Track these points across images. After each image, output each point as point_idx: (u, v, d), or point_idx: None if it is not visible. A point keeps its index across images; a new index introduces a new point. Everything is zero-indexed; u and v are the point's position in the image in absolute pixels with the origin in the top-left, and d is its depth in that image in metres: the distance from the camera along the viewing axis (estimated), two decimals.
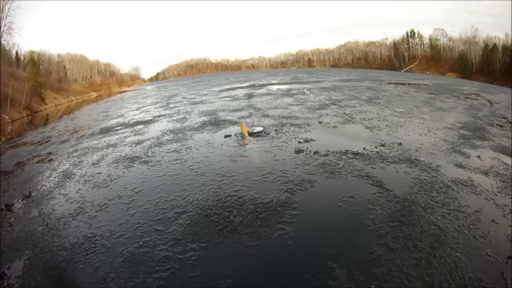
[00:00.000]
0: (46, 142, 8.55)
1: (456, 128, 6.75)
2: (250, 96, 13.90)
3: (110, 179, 4.64)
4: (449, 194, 3.56)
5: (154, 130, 8.00)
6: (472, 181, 3.95)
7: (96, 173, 4.98)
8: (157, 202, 3.65)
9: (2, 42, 26.25)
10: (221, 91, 18.29)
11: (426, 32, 53.35)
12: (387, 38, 57.86)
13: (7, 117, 17.56)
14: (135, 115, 11.59)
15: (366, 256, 2.53)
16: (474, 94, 14.79)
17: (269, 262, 2.52)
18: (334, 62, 68.01)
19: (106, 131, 8.76)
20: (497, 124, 7.36)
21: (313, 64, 70.68)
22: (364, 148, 5.12)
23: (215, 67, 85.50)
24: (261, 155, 5.05)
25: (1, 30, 25.11)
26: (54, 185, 4.75)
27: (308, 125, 7.01)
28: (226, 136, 6.34)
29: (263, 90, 16.19)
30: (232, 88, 19.24)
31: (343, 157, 4.74)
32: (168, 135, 7.12)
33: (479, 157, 4.89)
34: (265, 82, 22.77)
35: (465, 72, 39.75)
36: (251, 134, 6.24)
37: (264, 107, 10.07)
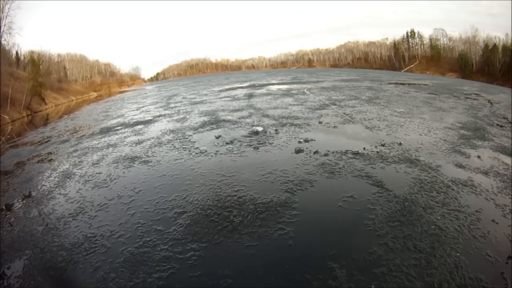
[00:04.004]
0: (46, 142, 8.55)
1: (456, 128, 6.75)
2: (250, 96, 13.89)
3: (110, 179, 4.64)
4: (449, 194, 3.56)
5: (154, 130, 8.00)
6: (472, 181, 3.95)
7: (96, 173, 4.98)
8: (157, 202, 3.65)
9: (2, 42, 26.22)
10: (221, 91, 18.29)
11: (426, 32, 53.41)
12: (387, 38, 57.88)
13: (7, 117, 17.56)
14: (135, 115, 11.59)
15: (366, 256, 2.53)
16: (474, 94, 14.79)
17: (269, 262, 2.52)
18: (334, 62, 67.99)
19: (106, 131, 8.76)
20: (497, 124, 7.35)
21: (313, 64, 70.66)
22: (364, 148, 5.12)
23: (215, 67, 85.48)
24: (262, 155, 5.04)
25: (1, 30, 25.08)
26: (54, 185, 4.75)
27: (308, 125, 7.01)
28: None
29: (263, 90, 16.19)
30: (232, 88, 19.24)
31: (343, 157, 4.74)
32: (168, 135, 7.12)
33: (479, 157, 4.89)
34: (265, 82, 22.76)
35: (465, 72, 39.72)
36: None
37: (264, 107, 10.06)
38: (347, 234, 2.87)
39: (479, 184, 3.87)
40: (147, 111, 12.23)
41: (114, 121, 10.60)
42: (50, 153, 7.04)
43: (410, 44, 53.21)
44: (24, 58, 34.31)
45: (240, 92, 15.96)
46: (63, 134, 9.56)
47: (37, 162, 6.34)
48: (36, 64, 24.43)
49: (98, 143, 7.19)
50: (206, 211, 3.34)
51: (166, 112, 11.24)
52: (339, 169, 4.27)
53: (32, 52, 32.83)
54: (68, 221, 3.48)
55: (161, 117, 10.03)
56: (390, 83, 19.09)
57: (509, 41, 37.16)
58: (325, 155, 4.84)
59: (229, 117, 8.56)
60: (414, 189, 3.68)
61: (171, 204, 3.58)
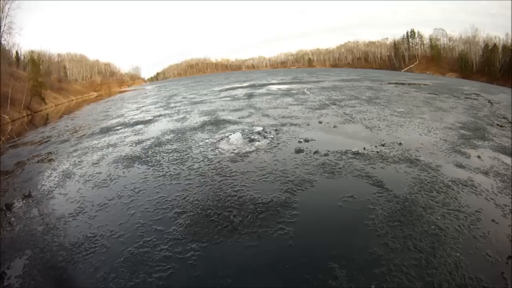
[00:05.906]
0: (46, 142, 8.55)
1: (456, 128, 6.74)
2: (250, 96, 13.89)
3: (110, 179, 4.64)
4: (449, 194, 3.56)
5: (154, 130, 8.00)
6: (472, 181, 3.95)
7: (96, 173, 4.98)
8: (157, 202, 3.65)
9: (2, 42, 26.16)
10: (221, 91, 18.28)
11: (426, 32, 53.45)
12: (387, 38, 57.95)
13: (7, 117, 17.57)
14: (135, 115, 11.59)
15: (366, 256, 2.53)
16: (474, 94, 14.79)
17: (269, 262, 2.52)
18: (334, 62, 67.98)
19: (106, 131, 8.76)
20: (497, 124, 7.35)
21: (313, 64, 70.65)
22: (364, 148, 5.12)
23: (215, 67, 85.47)
24: (262, 155, 5.04)
25: (1, 30, 25.04)
26: (54, 185, 4.75)
27: (308, 125, 7.01)
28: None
29: (263, 90, 16.18)
30: (232, 88, 19.23)
31: (343, 157, 4.74)
32: (168, 135, 7.12)
33: (479, 157, 4.89)
34: (265, 82, 22.75)
35: (465, 72, 39.74)
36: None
37: (264, 107, 10.06)
38: (347, 234, 2.87)
39: (479, 184, 3.86)
40: (147, 111, 12.23)
41: (114, 121, 10.60)
42: (50, 153, 7.04)
43: (410, 44, 53.25)
44: (24, 58, 34.35)
45: (240, 92, 15.96)
46: (63, 134, 9.56)
47: (37, 162, 6.34)
48: (36, 64, 24.47)
49: (98, 143, 7.19)
50: (206, 211, 3.34)
51: (166, 112, 11.23)
52: (339, 169, 4.27)
53: (32, 52, 32.81)
54: (68, 221, 3.48)
55: (161, 117, 10.03)
56: (390, 83, 19.07)
57: (509, 41, 37.21)
58: (325, 155, 4.84)
59: (229, 117, 8.56)
60: (414, 189, 3.68)
61: (171, 204, 3.58)
